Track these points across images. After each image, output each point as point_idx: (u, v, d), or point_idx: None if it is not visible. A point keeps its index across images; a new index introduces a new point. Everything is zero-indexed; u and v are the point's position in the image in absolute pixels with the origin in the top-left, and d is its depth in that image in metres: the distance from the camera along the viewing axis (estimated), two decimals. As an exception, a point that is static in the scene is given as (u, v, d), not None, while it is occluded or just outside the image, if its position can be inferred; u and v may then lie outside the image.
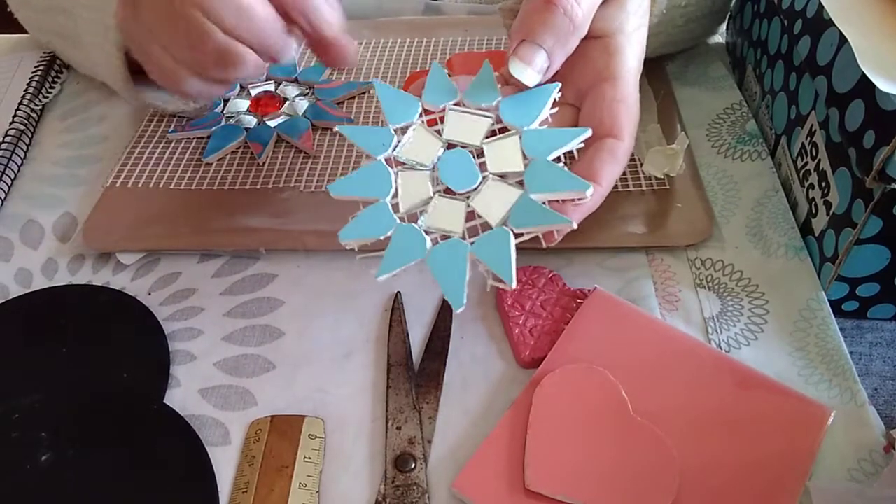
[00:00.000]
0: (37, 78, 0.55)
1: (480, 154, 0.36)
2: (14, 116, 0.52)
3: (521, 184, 0.34)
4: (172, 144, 0.51)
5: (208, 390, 0.38)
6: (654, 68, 0.54)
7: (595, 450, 0.33)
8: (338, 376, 0.38)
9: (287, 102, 0.53)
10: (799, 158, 0.44)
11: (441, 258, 0.33)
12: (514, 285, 0.32)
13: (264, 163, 0.49)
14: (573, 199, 0.34)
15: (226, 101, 0.53)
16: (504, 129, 0.36)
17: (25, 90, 0.54)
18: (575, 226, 0.33)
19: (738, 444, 0.33)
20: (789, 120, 0.45)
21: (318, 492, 0.33)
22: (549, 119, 0.36)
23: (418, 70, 0.56)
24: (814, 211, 0.41)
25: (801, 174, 0.43)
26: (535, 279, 0.40)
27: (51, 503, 0.33)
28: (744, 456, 0.33)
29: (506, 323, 0.39)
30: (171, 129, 0.51)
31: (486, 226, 0.34)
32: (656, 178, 0.46)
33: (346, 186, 0.35)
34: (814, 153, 0.42)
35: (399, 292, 0.41)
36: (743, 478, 0.32)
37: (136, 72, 0.45)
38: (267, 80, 0.55)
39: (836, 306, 0.40)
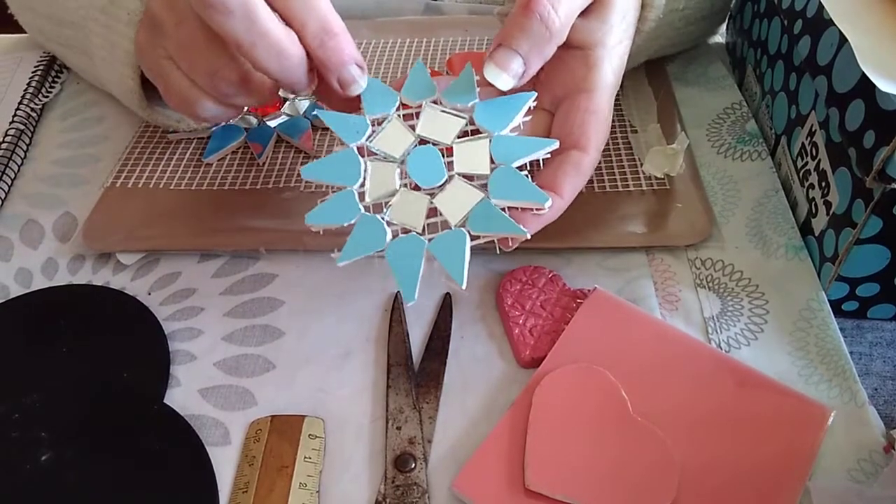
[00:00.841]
0: (37, 78, 0.55)
1: (450, 153, 0.36)
2: (14, 116, 0.52)
3: (484, 187, 0.35)
4: (172, 144, 0.51)
5: (208, 390, 0.38)
6: (655, 68, 0.54)
7: (595, 450, 0.33)
8: (338, 376, 0.38)
9: (287, 102, 0.53)
10: (799, 158, 0.44)
11: (399, 251, 0.34)
12: (464, 285, 0.33)
13: (264, 163, 0.49)
14: (532, 209, 0.34)
15: None
16: (476, 132, 0.37)
17: (25, 90, 0.54)
18: (529, 236, 0.34)
19: (738, 444, 0.33)
20: (789, 120, 0.45)
21: (318, 492, 0.33)
22: (522, 126, 0.37)
23: None
24: (814, 211, 0.42)
25: (801, 174, 0.43)
26: (535, 279, 0.40)
27: (51, 503, 0.33)
28: (744, 456, 0.33)
29: (506, 323, 0.39)
30: (171, 130, 0.51)
31: (446, 224, 0.34)
32: (656, 178, 0.46)
33: (318, 170, 0.36)
34: (814, 153, 0.42)
35: (399, 292, 0.41)
36: (743, 478, 0.32)
37: (144, 87, 0.45)
38: None
39: (836, 306, 0.40)
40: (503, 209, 0.34)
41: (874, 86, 0.34)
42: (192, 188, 0.47)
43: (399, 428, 0.35)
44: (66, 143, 0.52)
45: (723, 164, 0.48)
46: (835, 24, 0.38)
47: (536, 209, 0.34)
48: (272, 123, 0.51)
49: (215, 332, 0.40)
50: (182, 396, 0.37)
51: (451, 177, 0.35)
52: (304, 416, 0.36)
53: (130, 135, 0.52)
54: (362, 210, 0.35)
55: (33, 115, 0.53)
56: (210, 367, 0.39)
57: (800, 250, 0.42)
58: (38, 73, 0.56)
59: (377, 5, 0.63)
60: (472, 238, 0.34)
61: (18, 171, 0.50)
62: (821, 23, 0.39)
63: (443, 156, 0.36)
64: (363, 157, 0.36)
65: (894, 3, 0.40)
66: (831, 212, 0.39)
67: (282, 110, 0.52)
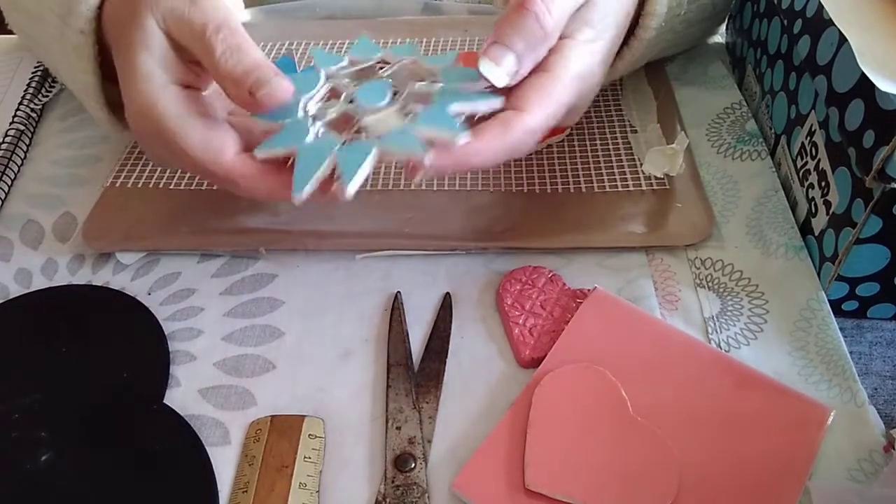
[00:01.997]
0: (37, 78, 0.55)
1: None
2: (14, 116, 0.52)
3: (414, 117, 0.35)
4: None
5: (208, 390, 0.38)
6: (654, 68, 0.54)
7: (595, 449, 0.33)
8: (338, 376, 0.38)
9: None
10: (799, 158, 0.44)
11: (309, 149, 0.34)
12: (348, 194, 0.32)
13: None
14: (447, 143, 0.33)
15: None
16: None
17: (25, 90, 0.54)
18: (427, 162, 0.33)
19: (738, 443, 0.33)
20: (789, 120, 0.45)
21: (318, 491, 0.33)
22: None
23: None
24: (813, 211, 0.42)
25: (800, 174, 0.43)
26: (535, 279, 0.40)
27: (51, 503, 0.33)
28: (744, 456, 0.33)
29: (506, 323, 0.39)
30: None
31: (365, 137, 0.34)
32: (656, 178, 0.46)
33: (270, 146, 0.35)
34: (813, 153, 0.42)
35: (399, 292, 0.41)
36: (743, 477, 0.32)
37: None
38: None
39: (835, 306, 0.40)
40: (422, 139, 0.34)
41: (874, 85, 0.34)
42: (192, 188, 0.47)
43: (399, 428, 0.35)
44: (67, 143, 0.52)
45: (723, 164, 0.48)
46: (834, 24, 0.38)
47: (450, 140, 0.34)
48: None
49: (215, 332, 0.40)
50: (182, 396, 0.37)
51: (395, 98, 0.36)
52: (304, 416, 0.36)
53: (130, 135, 0.52)
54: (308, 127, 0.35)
55: (33, 115, 0.53)
56: (210, 367, 0.39)
57: (800, 250, 0.42)
58: (38, 73, 0.56)
59: (376, 5, 0.63)
60: (383, 155, 0.34)
61: (18, 171, 0.50)
62: (820, 22, 0.39)
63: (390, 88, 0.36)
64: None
65: (894, 3, 0.40)
66: (831, 211, 0.39)
67: None
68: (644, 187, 0.45)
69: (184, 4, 0.35)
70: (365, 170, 0.33)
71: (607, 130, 0.50)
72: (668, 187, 0.45)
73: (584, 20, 0.37)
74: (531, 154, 0.48)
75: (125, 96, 0.36)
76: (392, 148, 0.33)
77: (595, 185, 0.46)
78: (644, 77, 0.54)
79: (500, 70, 0.35)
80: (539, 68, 0.36)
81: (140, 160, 0.49)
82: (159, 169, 0.48)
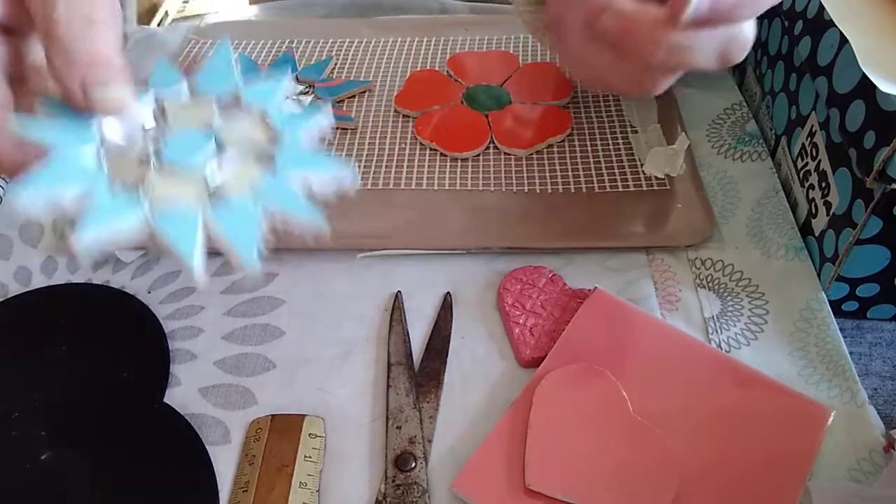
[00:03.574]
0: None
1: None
2: (13, 115, 0.52)
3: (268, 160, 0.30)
4: None
5: (208, 389, 0.38)
6: None
7: (595, 450, 0.33)
8: (338, 375, 0.38)
9: (287, 101, 0.52)
10: (799, 159, 0.44)
11: (172, 223, 0.27)
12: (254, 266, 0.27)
13: None
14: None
15: None
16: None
17: (25, 88, 0.54)
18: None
19: (738, 443, 0.33)
20: (789, 120, 0.45)
21: (318, 491, 0.33)
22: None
23: (419, 70, 0.56)
24: (814, 211, 0.42)
25: (801, 174, 0.44)
26: (535, 279, 0.40)
27: (51, 502, 0.33)
28: (744, 456, 0.33)
29: (506, 323, 0.39)
30: None
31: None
32: (656, 178, 0.46)
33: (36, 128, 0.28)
34: (814, 154, 0.42)
35: (399, 292, 0.41)
36: (743, 478, 0.32)
37: None
38: None
39: (836, 306, 0.40)
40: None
41: (874, 86, 0.34)
42: None
43: (399, 427, 0.35)
44: (66, 141, 0.52)
45: (723, 165, 0.48)
46: (835, 25, 0.38)
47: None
48: None
49: (215, 330, 0.40)
50: (182, 396, 0.37)
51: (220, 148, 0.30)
52: (305, 416, 0.36)
53: None
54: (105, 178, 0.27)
55: (33, 113, 0.53)
56: (210, 366, 0.39)
57: (800, 250, 0.42)
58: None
59: (377, 2, 0.63)
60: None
61: (18, 169, 0.50)
62: (821, 23, 0.39)
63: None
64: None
65: (894, 3, 0.40)
66: (831, 212, 0.39)
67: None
68: (644, 188, 0.45)
69: None
70: (107, 231, 0.26)
71: (607, 130, 0.50)
72: (668, 188, 0.45)
73: None
74: (531, 154, 0.48)
75: None
76: (162, 228, 0.27)
77: (595, 185, 0.46)
78: None
79: None
80: None
81: None
82: None
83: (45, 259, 0.44)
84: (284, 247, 0.43)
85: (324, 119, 0.32)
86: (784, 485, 0.32)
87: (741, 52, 0.32)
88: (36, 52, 0.30)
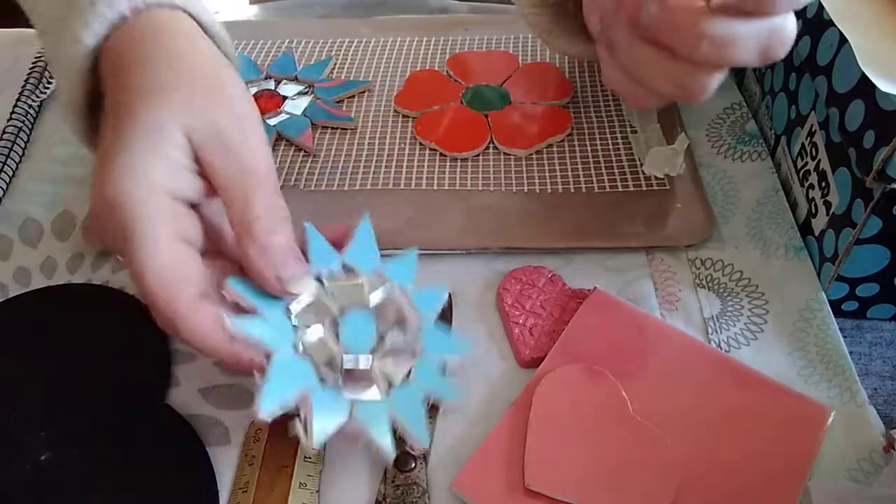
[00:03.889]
0: (35, 74, 0.55)
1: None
2: (12, 113, 0.52)
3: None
4: None
5: (209, 390, 0.38)
6: None
7: (595, 450, 0.33)
8: (338, 376, 0.38)
9: (286, 100, 0.52)
10: (799, 159, 0.44)
11: (286, 368, 0.32)
12: (310, 447, 0.31)
13: None
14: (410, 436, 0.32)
15: None
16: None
17: (23, 86, 0.54)
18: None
19: (738, 443, 0.33)
20: (789, 120, 0.45)
21: (318, 491, 0.33)
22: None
23: (419, 69, 0.56)
24: (813, 211, 0.42)
25: (800, 174, 0.44)
26: (535, 279, 0.40)
27: (51, 502, 0.33)
28: (744, 456, 0.33)
29: (506, 323, 0.39)
30: None
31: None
32: (656, 179, 0.46)
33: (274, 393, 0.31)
34: (814, 153, 0.42)
35: (399, 292, 0.41)
36: (743, 478, 0.32)
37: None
38: (266, 79, 0.55)
39: (835, 306, 0.40)
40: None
41: (874, 86, 0.34)
42: None
43: (399, 428, 0.35)
44: (66, 140, 0.52)
45: (723, 164, 0.48)
46: (835, 25, 0.38)
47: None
48: (272, 122, 0.51)
49: (215, 331, 0.40)
50: (182, 396, 0.37)
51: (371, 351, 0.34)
52: (305, 416, 0.36)
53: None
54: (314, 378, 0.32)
55: (31, 111, 0.53)
56: (210, 366, 0.39)
57: (800, 250, 0.42)
58: (37, 70, 0.56)
59: (378, 1, 0.63)
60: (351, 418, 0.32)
61: (17, 168, 0.50)
62: (821, 23, 0.39)
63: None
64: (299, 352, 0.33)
65: (894, 3, 0.40)
66: (831, 212, 0.39)
67: (282, 109, 0.52)
68: (644, 187, 0.45)
69: (232, 128, 0.31)
70: (331, 427, 0.31)
71: (607, 130, 0.50)
72: (668, 188, 0.45)
73: None
74: (531, 154, 0.48)
75: (105, 163, 0.30)
76: (361, 418, 0.31)
77: (595, 185, 0.46)
78: None
79: None
80: None
81: None
82: None
83: (45, 259, 0.44)
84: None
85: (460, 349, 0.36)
86: (784, 485, 0.32)
87: (783, 48, 0.32)
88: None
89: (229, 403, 0.37)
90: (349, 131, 0.51)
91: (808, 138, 0.42)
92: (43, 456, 0.34)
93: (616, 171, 0.47)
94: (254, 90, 0.54)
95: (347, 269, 0.35)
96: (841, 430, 0.35)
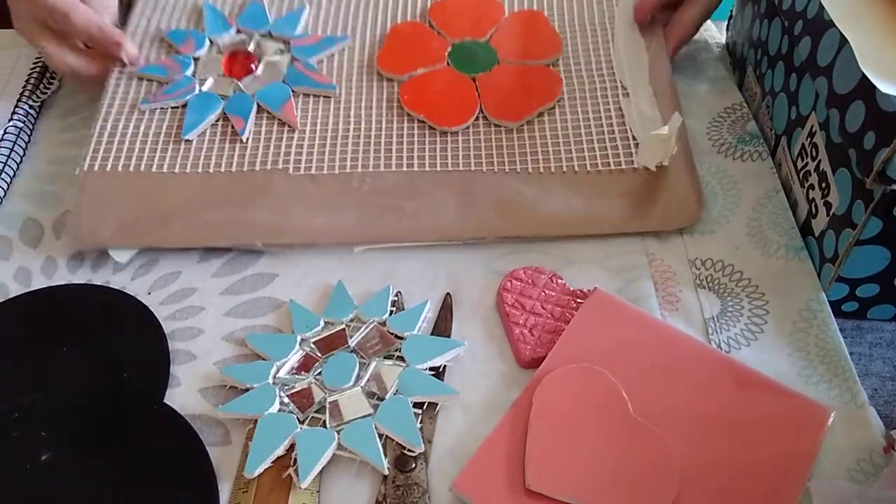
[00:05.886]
0: (35, 74, 0.55)
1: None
2: (13, 114, 0.52)
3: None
4: (146, 117, 0.49)
5: (208, 390, 0.38)
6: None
7: (595, 450, 0.33)
8: (338, 376, 0.38)
9: (262, 63, 0.50)
10: (799, 159, 0.44)
11: (270, 425, 0.35)
12: (301, 485, 0.33)
13: (248, 139, 0.47)
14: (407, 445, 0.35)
15: (195, 60, 0.51)
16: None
17: (24, 87, 0.54)
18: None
19: (739, 444, 0.33)
20: (789, 120, 0.45)
21: (318, 492, 0.33)
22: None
23: (400, 22, 0.54)
24: (814, 211, 0.42)
25: (801, 175, 0.44)
26: (536, 279, 0.40)
27: (51, 503, 0.33)
28: (744, 456, 0.33)
29: (506, 323, 0.39)
30: (142, 100, 0.49)
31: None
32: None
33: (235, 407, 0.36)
34: (814, 154, 0.42)
35: (399, 292, 0.41)
36: (743, 478, 0.32)
37: None
38: (238, 33, 0.53)
39: (835, 307, 0.40)
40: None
41: (874, 87, 0.34)
42: (176, 171, 0.46)
43: (399, 428, 0.35)
44: (66, 141, 0.52)
45: (723, 164, 0.48)
46: (835, 26, 0.38)
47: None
48: (250, 90, 0.49)
49: (215, 331, 0.40)
50: (182, 396, 0.37)
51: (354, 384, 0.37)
52: (305, 416, 0.36)
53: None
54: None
55: (32, 112, 0.53)
56: (210, 366, 0.39)
57: (800, 251, 0.42)
58: (37, 70, 0.56)
59: None
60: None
61: (17, 169, 0.50)
62: (821, 24, 0.39)
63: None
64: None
65: (894, 3, 0.40)
66: (831, 212, 0.39)
67: (257, 72, 0.50)
68: (636, 165, 0.45)
69: None
70: (321, 462, 0.34)
71: (598, 95, 0.49)
72: (657, 170, 0.45)
73: None
74: (522, 125, 0.48)
75: None
76: (350, 444, 0.34)
77: (588, 162, 0.46)
78: (637, 30, 0.53)
79: None
80: None
81: (115, 137, 0.48)
82: (137, 147, 0.47)
83: (45, 259, 0.44)
84: (281, 240, 0.43)
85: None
86: (784, 485, 0.32)
87: None
88: None
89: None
90: (332, 99, 0.49)
91: (809, 139, 0.42)
92: (43, 456, 0.34)
93: (609, 146, 0.46)
94: (227, 49, 0.51)
95: (327, 324, 0.39)
96: (841, 430, 0.35)
